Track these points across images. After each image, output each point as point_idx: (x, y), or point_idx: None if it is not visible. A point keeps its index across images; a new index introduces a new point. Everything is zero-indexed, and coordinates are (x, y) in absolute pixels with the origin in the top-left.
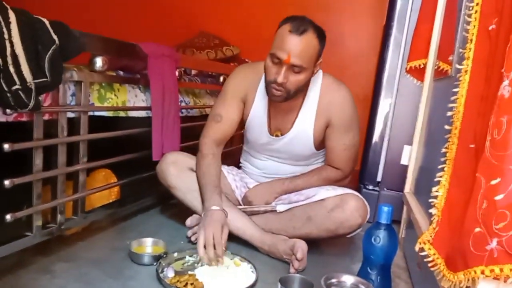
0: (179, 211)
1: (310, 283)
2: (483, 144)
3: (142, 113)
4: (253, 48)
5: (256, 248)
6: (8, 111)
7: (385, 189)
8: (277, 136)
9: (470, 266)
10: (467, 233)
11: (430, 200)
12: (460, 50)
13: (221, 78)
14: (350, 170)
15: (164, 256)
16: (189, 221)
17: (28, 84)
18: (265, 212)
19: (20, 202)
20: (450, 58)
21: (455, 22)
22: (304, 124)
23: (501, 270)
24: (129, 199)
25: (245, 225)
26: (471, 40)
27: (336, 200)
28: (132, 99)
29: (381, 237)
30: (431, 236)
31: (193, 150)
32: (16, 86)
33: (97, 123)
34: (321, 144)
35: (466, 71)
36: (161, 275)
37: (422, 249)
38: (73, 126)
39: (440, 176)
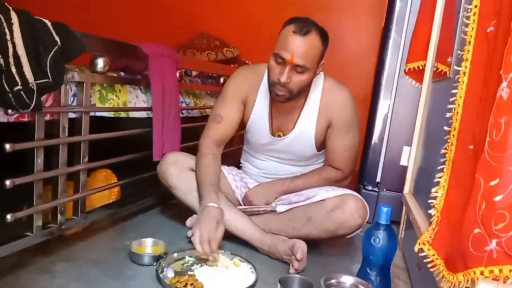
0: (179, 211)
1: (310, 283)
2: (482, 145)
3: (143, 114)
4: (253, 49)
5: (256, 249)
6: (9, 111)
7: (384, 189)
8: (278, 136)
9: (469, 267)
10: (467, 234)
11: (430, 201)
12: (459, 52)
13: (222, 79)
14: (350, 170)
15: (164, 256)
16: (189, 222)
17: (30, 85)
18: (265, 212)
19: (21, 202)
20: (449, 59)
21: (453, 24)
22: (306, 125)
23: (501, 271)
24: (129, 200)
25: (245, 225)
26: (470, 42)
27: (336, 200)
28: (133, 100)
29: (380, 238)
30: (430, 237)
31: (194, 150)
32: (18, 87)
33: (98, 124)
34: (322, 145)
35: (464, 73)
36: (161, 275)
37: (421, 250)
38: (74, 126)
39: (439, 177)
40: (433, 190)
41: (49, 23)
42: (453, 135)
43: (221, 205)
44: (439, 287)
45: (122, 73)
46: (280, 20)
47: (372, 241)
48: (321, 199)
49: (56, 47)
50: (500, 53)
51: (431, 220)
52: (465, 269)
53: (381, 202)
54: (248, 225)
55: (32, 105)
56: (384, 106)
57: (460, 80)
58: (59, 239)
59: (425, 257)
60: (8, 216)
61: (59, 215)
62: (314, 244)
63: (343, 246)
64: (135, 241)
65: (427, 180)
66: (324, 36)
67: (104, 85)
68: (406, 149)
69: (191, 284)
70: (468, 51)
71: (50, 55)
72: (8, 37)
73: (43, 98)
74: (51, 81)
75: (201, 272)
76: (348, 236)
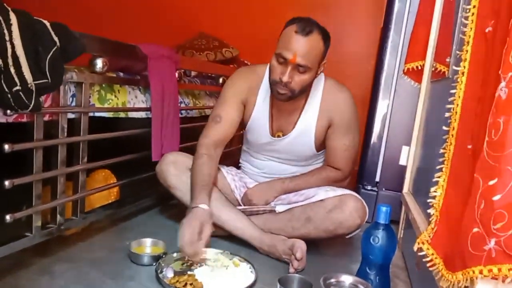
0: (178, 211)
1: (309, 283)
2: (481, 145)
3: (142, 114)
4: (252, 50)
5: (255, 248)
6: (8, 112)
7: (383, 189)
8: (278, 137)
9: (468, 266)
10: (465, 233)
11: (428, 200)
12: (457, 52)
13: (221, 80)
14: (350, 170)
15: (164, 256)
16: None
17: (28, 85)
18: (264, 212)
19: (20, 203)
20: (447, 59)
21: (452, 24)
22: (306, 125)
23: (499, 270)
24: (128, 200)
25: (244, 225)
26: (468, 42)
27: (335, 200)
28: (132, 100)
29: (379, 237)
30: (429, 236)
31: (193, 150)
32: (17, 87)
33: (97, 124)
34: (321, 145)
35: (463, 73)
36: (160, 275)
37: (420, 249)
38: (73, 127)
39: (438, 177)
40: (432, 189)
41: (48, 24)
42: (452, 135)
43: (220, 205)
44: (438, 286)
45: (121, 74)
46: (279, 21)
47: (371, 240)
48: (321, 199)
49: (55, 47)
50: (499, 53)
51: (430, 219)
52: (464, 268)
53: (380, 201)
54: (247, 225)
55: (31, 105)
56: (383, 106)
57: (458, 80)
58: (58, 239)
59: (424, 256)
60: (7, 217)
61: (58, 216)
62: (313, 244)
63: (342, 246)
64: (135, 241)
65: (426, 180)
66: (325, 36)
67: (103, 85)
68: (405, 148)
69: (191, 284)
70: (467, 51)
71: (49, 55)
72: (7, 37)
73: (42, 98)
74: (50, 81)
75: (200, 272)
76: (347, 236)
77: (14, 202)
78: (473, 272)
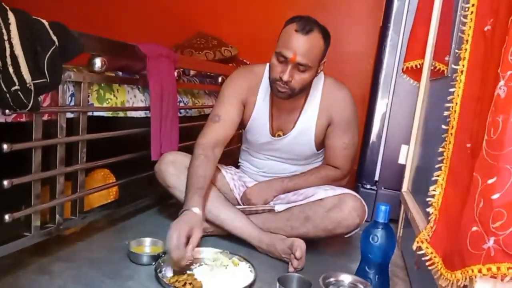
0: (177, 211)
1: (309, 282)
2: (480, 144)
3: (141, 113)
4: (251, 48)
5: (255, 248)
6: (7, 111)
7: (382, 188)
8: (278, 136)
9: (467, 264)
10: (464, 232)
11: (428, 199)
12: (456, 50)
13: (220, 79)
14: (349, 169)
15: (163, 255)
16: None
17: (27, 85)
18: (264, 211)
19: (19, 202)
20: (446, 58)
21: (451, 23)
22: (307, 124)
23: (498, 268)
24: (127, 199)
25: (243, 224)
26: (467, 40)
27: (334, 200)
28: (131, 100)
29: (379, 236)
30: (428, 235)
31: (192, 150)
32: (16, 87)
33: (96, 123)
34: (321, 144)
35: (462, 71)
36: (159, 274)
37: (419, 248)
38: (72, 126)
39: (437, 175)
40: (431, 188)
41: (46, 23)
42: (451, 134)
43: (219, 204)
44: (437, 285)
45: (120, 73)
46: (278, 19)
47: (370, 239)
48: (320, 198)
49: (54, 47)
50: (498, 51)
51: (429, 218)
52: (463, 267)
53: (379, 200)
54: (247, 224)
55: (30, 105)
56: (382, 104)
57: (457, 78)
58: (57, 239)
59: (423, 255)
60: (6, 216)
61: (57, 215)
62: (312, 243)
63: (341, 245)
64: (134, 240)
65: (425, 179)
66: (326, 35)
67: (102, 84)
68: (404, 147)
69: (190, 283)
70: (466, 49)
71: (48, 55)
72: (5, 37)
73: (41, 98)
74: (48, 81)
75: (200, 271)
76: (346, 236)
77: (13, 201)
78: (472, 271)
